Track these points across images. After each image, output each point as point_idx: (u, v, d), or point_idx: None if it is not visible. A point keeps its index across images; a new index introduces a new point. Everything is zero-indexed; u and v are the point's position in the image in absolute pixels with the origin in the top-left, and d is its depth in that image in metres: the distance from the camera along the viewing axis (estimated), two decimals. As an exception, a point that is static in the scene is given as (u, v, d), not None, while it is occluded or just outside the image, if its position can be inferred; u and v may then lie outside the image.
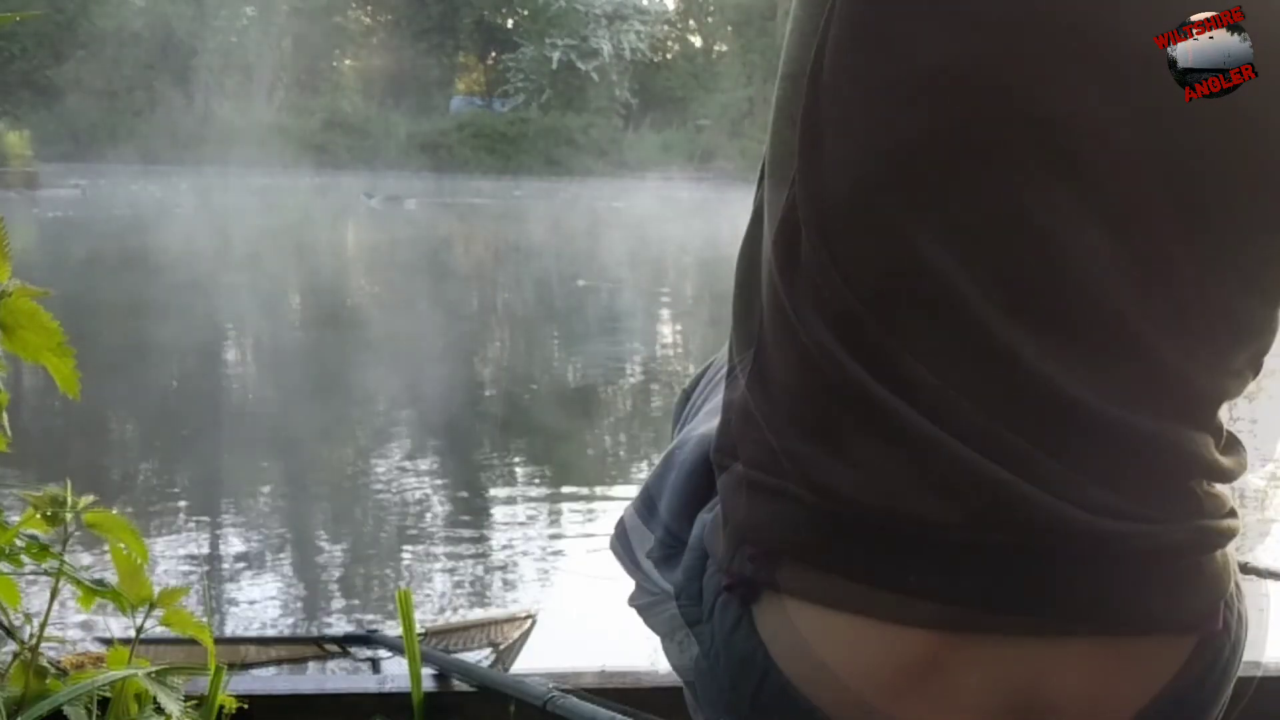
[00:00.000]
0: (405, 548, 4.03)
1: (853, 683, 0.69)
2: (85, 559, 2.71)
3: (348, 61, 39.20)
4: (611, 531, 0.94)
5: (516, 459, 5.36)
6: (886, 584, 0.66)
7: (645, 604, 0.88)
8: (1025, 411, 0.65)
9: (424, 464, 5.05)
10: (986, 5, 0.63)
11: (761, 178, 0.75)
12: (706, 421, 0.90)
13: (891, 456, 0.65)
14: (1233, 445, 0.73)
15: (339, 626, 3.18)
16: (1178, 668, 0.70)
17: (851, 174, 0.66)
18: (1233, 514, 0.71)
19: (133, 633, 1.05)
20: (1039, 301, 0.65)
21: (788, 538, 0.69)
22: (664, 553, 0.85)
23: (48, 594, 1.04)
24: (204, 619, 1.06)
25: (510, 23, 41.36)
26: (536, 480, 4.94)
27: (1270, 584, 2.12)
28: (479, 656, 2.27)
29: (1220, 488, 0.71)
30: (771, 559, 0.70)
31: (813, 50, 0.67)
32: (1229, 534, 0.70)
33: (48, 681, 1.02)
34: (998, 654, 0.67)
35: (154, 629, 1.06)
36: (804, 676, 0.71)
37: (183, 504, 4.39)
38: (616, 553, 0.93)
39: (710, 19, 44.44)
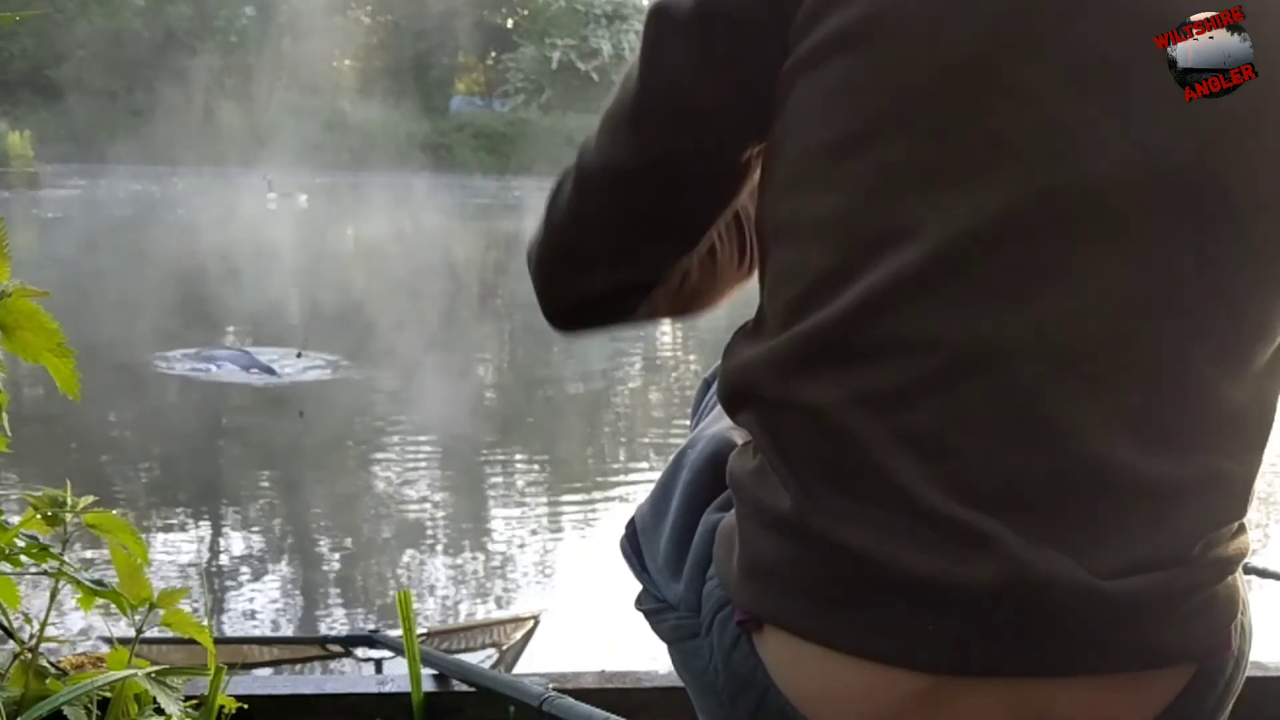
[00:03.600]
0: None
1: (854, 711, 0.69)
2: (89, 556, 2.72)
3: (348, 61, 39.16)
4: (623, 532, 0.94)
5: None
6: (891, 631, 0.66)
7: (650, 610, 0.88)
8: (1050, 477, 0.64)
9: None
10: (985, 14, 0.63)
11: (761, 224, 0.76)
12: (719, 420, 0.90)
13: (901, 517, 0.65)
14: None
15: (346, 624, 3.18)
16: (1184, 685, 0.70)
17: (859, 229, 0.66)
18: (1242, 529, 0.70)
19: (134, 633, 1.05)
20: (1078, 359, 0.64)
21: (797, 580, 0.69)
22: (669, 558, 0.85)
23: (47, 594, 1.04)
24: (203, 619, 1.06)
25: (510, 23, 41.32)
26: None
27: (1268, 583, 2.11)
28: (482, 657, 2.27)
29: None
30: (781, 598, 0.70)
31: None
32: (1242, 554, 0.70)
33: (47, 682, 1.01)
34: (1002, 692, 0.67)
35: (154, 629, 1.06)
36: (804, 698, 0.71)
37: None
38: (625, 554, 0.93)
39: (710, 19, 44.23)
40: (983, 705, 0.67)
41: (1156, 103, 0.63)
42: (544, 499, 4.71)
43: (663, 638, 0.86)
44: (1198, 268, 0.64)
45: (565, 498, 4.72)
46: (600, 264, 0.80)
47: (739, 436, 0.83)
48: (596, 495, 4.77)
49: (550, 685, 1.32)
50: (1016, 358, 0.63)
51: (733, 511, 0.76)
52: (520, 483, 5.01)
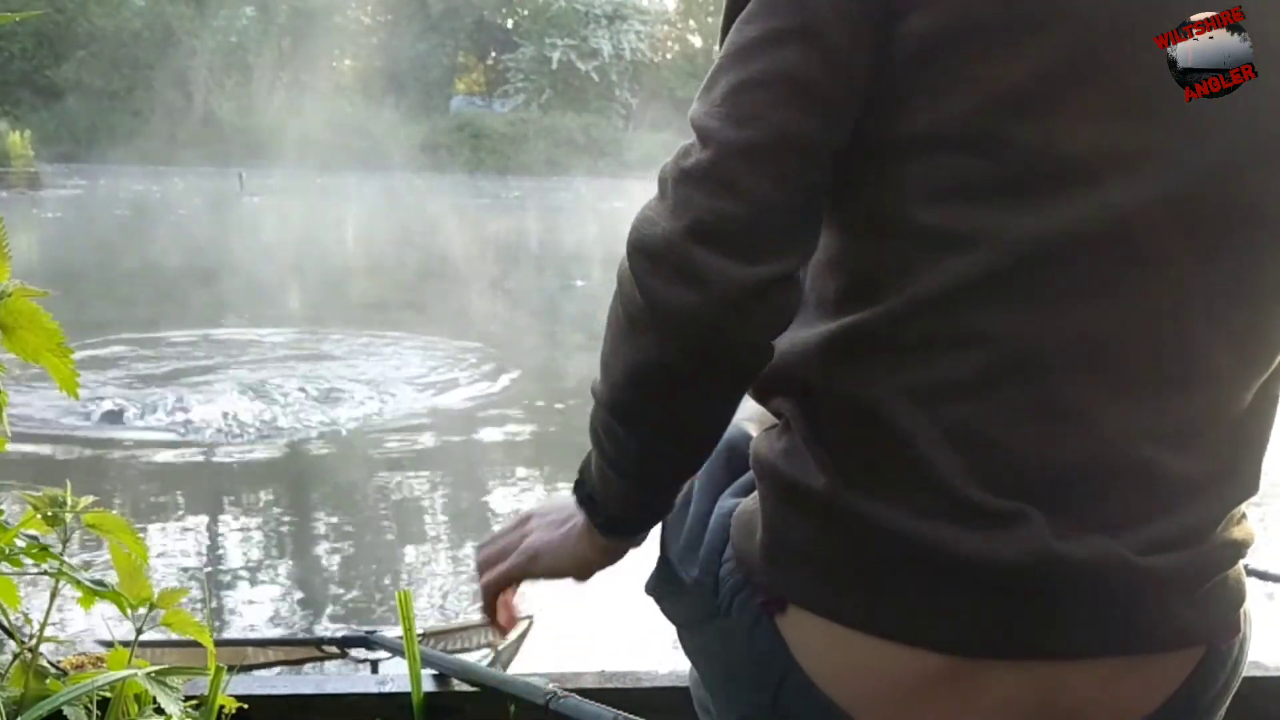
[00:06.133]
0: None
1: (876, 688, 0.70)
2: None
3: (348, 61, 39.18)
4: None
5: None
6: (916, 612, 0.68)
7: (663, 593, 0.88)
8: (1082, 468, 0.67)
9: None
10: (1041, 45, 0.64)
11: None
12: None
13: (936, 502, 0.67)
14: None
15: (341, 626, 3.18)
16: (1193, 667, 0.71)
17: (933, 260, 0.67)
18: (1244, 517, 0.72)
19: (133, 634, 1.05)
20: (1116, 364, 0.66)
21: (822, 560, 0.71)
22: (687, 542, 0.85)
23: (47, 595, 1.04)
24: (203, 620, 1.06)
25: (510, 23, 41.34)
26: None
27: (1268, 584, 2.11)
28: (477, 658, 2.26)
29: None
30: (804, 579, 0.71)
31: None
32: (1249, 540, 0.72)
33: (47, 682, 1.01)
34: (1023, 673, 0.68)
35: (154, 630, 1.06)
36: (826, 677, 0.71)
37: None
38: None
39: (710, 19, 44.38)
40: (1003, 685, 0.68)
41: (1201, 127, 0.65)
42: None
43: (676, 621, 0.86)
44: (1231, 281, 0.67)
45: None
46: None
47: (751, 428, 0.84)
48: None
49: (551, 684, 1.32)
50: (1059, 360, 0.66)
51: (751, 496, 0.77)
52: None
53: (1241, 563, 0.73)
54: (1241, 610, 0.73)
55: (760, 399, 0.78)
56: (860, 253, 0.70)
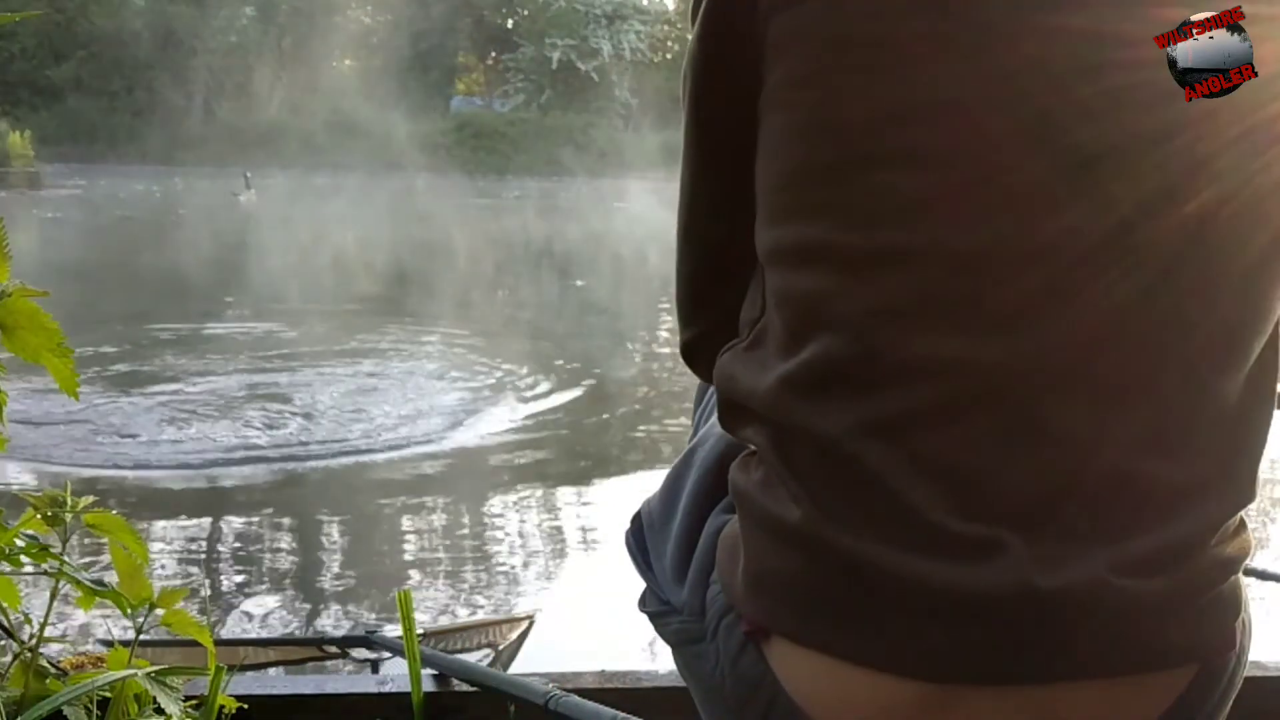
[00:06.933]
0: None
1: (863, 716, 0.69)
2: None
3: (348, 61, 39.20)
4: (628, 525, 0.94)
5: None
6: (901, 642, 0.67)
7: (654, 612, 0.88)
8: (1063, 489, 0.65)
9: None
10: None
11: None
12: None
13: (914, 533, 0.66)
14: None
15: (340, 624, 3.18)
16: (1188, 683, 0.70)
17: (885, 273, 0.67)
18: (1243, 525, 0.71)
19: (132, 634, 1.05)
20: (1088, 378, 0.65)
21: (805, 592, 0.70)
22: (675, 560, 0.85)
23: (47, 594, 1.04)
24: (203, 620, 1.06)
25: (510, 23, 41.36)
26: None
27: (1268, 584, 2.11)
28: (477, 658, 2.27)
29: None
30: (789, 610, 0.71)
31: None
32: (1245, 552, 0.71)
33: (47, 682, 1.02)
34: (1011, 697, 0.67)
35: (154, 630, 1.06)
36: (813, 704, 0.71)
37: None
38: (630, 551, 0.93)
39: (710, 19, 44.22)
40: (993, 711, 0.67)
41: (1156, 133, 0.63)
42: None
43: (666, 640, 0.86)
44: (1198, 283, 0.65)
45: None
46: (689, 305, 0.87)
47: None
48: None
49: (551, 684, 1.32)
50: (1026, 379, 0.64)
51: (737, 517, 0.76)
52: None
53: (1236, 575, 0.71)
54: (1238, 622, 0.71)
55: (730, 431, 0.77)
56: (796, 285, 0.69)
